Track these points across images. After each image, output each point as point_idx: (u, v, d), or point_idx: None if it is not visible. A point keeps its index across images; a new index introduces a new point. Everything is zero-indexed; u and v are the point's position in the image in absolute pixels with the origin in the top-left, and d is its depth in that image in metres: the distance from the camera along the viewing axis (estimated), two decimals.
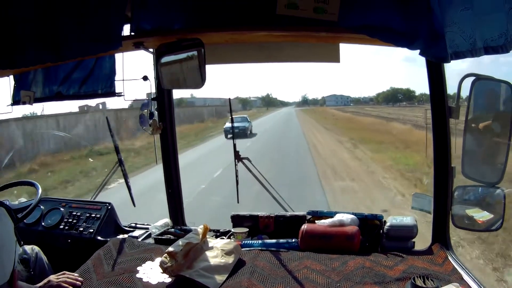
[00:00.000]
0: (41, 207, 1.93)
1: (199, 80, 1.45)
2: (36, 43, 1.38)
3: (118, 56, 1.88)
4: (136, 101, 1.94)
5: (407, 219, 1.57)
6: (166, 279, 1.34)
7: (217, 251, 1.41)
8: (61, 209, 1.94)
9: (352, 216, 1.60)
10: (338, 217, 1.59)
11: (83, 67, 1.88)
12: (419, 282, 1.20)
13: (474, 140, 1.45)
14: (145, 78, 1.77)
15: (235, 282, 1.29)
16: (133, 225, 1.95)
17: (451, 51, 1.22)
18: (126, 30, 1.47)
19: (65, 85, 1.91)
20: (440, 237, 1.54)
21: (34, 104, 1.90)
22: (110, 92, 1.90)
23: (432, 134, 1.54)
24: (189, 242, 1.37)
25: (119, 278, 1.35)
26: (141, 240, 1.74)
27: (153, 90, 1.84)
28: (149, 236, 1.78)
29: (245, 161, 1.85)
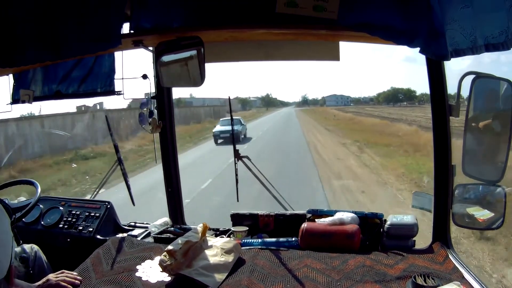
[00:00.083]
0: (40, 206, 1.92)
1: (199, 78, 1.45)
2: (35, 42, 1.38)
3: (117, 55, 1.88)
4: (135, 100, 1.93)
5: (407, 218, 1.57)
6: (166, 277, 1.33)
7: (217, 250, 1.41)
8: (61, 208, 1.93)
9: (352, 214, 1.59)
10: (338, 216, 1.59)
11: (83, 65, 1.87)
12: (419, 280, 1.20)
13: (474, 138, 1.44)
14: (144, 76, 1.77)
15: (235, 281, 1.28)
16: (133, 224, 1.95)
17: (451, 49, 1.22)
18: (126, 28, 1.47)
19: (65, 83, 1.90)
20: (441, 235, 1.54)
21: (33, 103, 1.89)
22: (110, 90, 1.90)
23: (432, 133, 1.54)
24: (188, 241, 1.36)
25: (118, 277, 1.34)
26: (141, 239, 1.73)
27: (153, 89, 1.84)
28: (148, 235, 1.78)
29: (245, 159, 1.84)
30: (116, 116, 15.42)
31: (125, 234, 1.76)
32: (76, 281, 1.32)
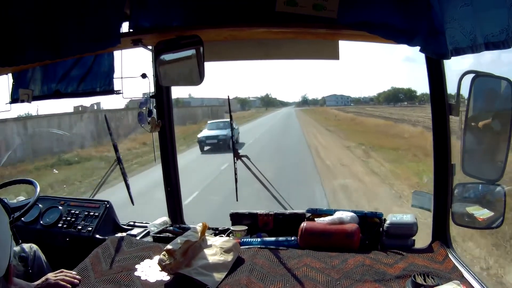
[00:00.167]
0: (40, 205, 1.92)
1: (198, 77, 1.45)
2: (34, 41, 1.37)
3: (116, 54, 1.87)
4: (133, 100, 1.93)
5: (407, 217, 1.56)
6: (165, 277, 1.33)
7: (216, 249, 1.41)
8: (60, 207, 1.93)
9: (352, 214, 1.59)
10: (337, 215, 1.58)
11: (82, 64, 1.87)
12: (419, 280, 1.20)
13: (474, 137, 1.44)
14: (143, 75, 1.77)
15: (234, 280, 1.28)
16: (132, 223, 1.94)
17: (451, 48, 1.22)
18: (125, 27, 1.47)
19: (64, 83, 1.90)
20: (440, 235, 1.54)
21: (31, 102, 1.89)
22: (109, 90, 1.90)
23: (432, 132, 1.53)
24: (187, 240, 1.36)
25: (117, 276, 1.34)
26: (140, 238, 1.73)
27: (152, 88, 1.83)
28: (147, 234, 1.77)
29: (244, 159, 1.84)
30: (109, 117, 15.14)
31: (124, 234, 1.76)
32: (75, 280, 1.32)
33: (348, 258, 1.39)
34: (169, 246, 1.31)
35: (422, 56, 1.43)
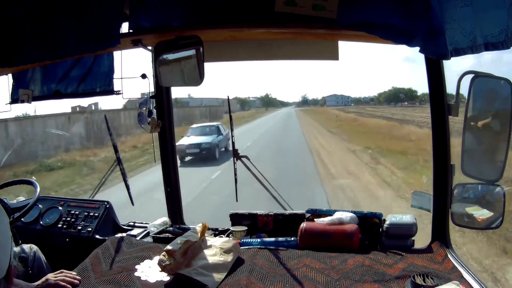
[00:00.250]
0: (39, 206, 1.92)
1: (198, 78, 1.45)
2: (34, 41, 1.38)
3: (116, 54, 1.87)
4: (130, 100, 1.93)
5: (406, 217, 1.57)
6: (165, 277, 1.33)
7: (216, 250, 1.41)
8: (60, 208, 1.93)
9: (352, 214, 1.59)
10: (337, 215, 1.58)
11: (82, 65, 1.87)
12: (418, 280, 1.20)
13: (473, 138, 1.44)
14: (143, 76, 1.77)
15: (234, 280, 1.28)
16: (132, 223, 1.95)
17: (451, 48, 1.22)
18: (125, 28, 1.47)
19: (63, 83, 1.90)
20: (440, 235, 1.54)
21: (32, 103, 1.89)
22: (109, 90, 1.90)
23: (431, 132, 1.53)
24: (187, 240, 1.36)
25: (117, 277, 1.34)
26: (140, 238, 1.73)
27: (152, 88, 1.83)
28: (147, 234, 1.77)
29: (244, 159, 1.84)
30: (99, 118, 13.87)
31: (124, 234, 1.76)
32: (75, 280, 1.32)
33: (348, 258, 1.39)
34: (169, 247, 1.32)
35: (422, 56, 1.43)
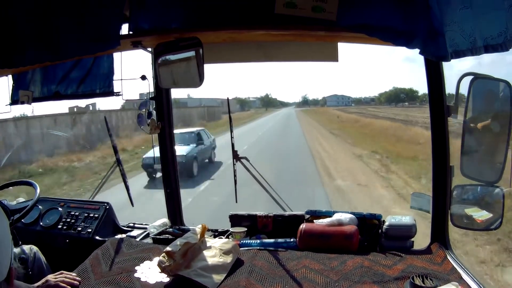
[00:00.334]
0: (40, 207, 1.92)
1: (198, 79, 1.45)
2: (34, 42, 1.38)
3: (116, 56, 1.88)
4: (128, 100, 1.93)
5: (405, 219, 1.57)
6: (164, 278, 1.34)
7: (215, 251, 1.41)
8: (60, 209, 1.94)
9: (351, 215, 1.59)
10: (336, 217, 1.59)
11: (81, 66, 1.88)
12: (418, 281, 1.20)
13: (473, 139, 1.44)
14: (143, 77, 1.77)
15: (233, 282, 1.28)
16: (131, 225, 1.95)
17: (451, 50, 1.22)
18: (125, 29, 1.47)
19: (63, 84, 1.90)
20: (439, 236, 1.54)
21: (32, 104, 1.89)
22: (108, 91, 1.90)
23: (430, 133, 1.54)
24: (187, 242, 1.36)
25: (117, 278, 1.35)
26: (139, 240, 1.73)
27: (151, 90, 1.84)
28: (147, 235, 1.78)
29: (243, 160, 1.84)
30: (88, 120, 13.24)
31: (124, 235, 1.76)
32: (75, 282, 1.32)
33: (347, 259, 1.40)
34: (168, 248, 1.32)
35: (422, 57, 1.43)
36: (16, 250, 1.59)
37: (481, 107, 1.48)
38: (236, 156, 1.84)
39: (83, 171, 9.32)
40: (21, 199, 1.96)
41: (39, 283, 1.31)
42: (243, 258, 1.44)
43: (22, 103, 1.90)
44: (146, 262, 1.45)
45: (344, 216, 1.58)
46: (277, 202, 1.87)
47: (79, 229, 1.84)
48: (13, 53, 1.40)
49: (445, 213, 1.52)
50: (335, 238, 1.52)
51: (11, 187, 1.79)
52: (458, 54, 1.21)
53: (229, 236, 1.70)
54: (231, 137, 1.84)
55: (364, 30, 1.32)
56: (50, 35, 1.37)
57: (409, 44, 1.31)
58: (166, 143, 1.94)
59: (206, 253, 1.40)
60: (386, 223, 1.56)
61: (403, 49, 1.35)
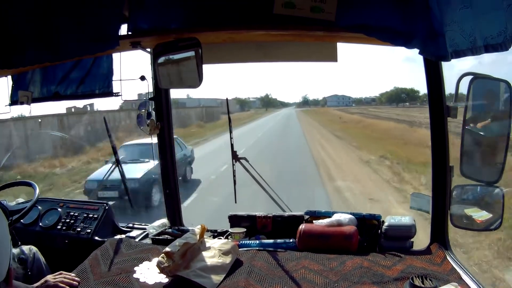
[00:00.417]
0: (39, 207, 1.92)
1: (197, 80, 1.45)
2: (33, 43, 1.38)
3: (115, 56, 1.87)
4: (126, 101, 1.92)
5: (405, 219, 1.56)
6: (163, 279, 1.33)
7: (215, 251, 1.41)
8: (59, 209, 1.94)
9: (350, 216, 1.59)
10: (336, 217, 1.58)
11: (81, 67, 1.88)
12: (417, 282, 1.20)
13: (472, 139, 1.44)
14: (142, 78, 1.77)
15: (233, 282, 1.28)
16: (131, 225, 1.95)
17: (451, 50, 1.22)
18: (124, 29, 1.48)
19: (63, 85, 1.90)
20: (439, 236, 1.54)
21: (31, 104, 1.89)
22: (108, 92, 1.90)
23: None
24: (186, 242, 1.36)
25: (116, 278, 1.34)
26: (139, 240, 1.73)
27: (151, 90, 1.83)
28: (146, 236, 1.78)
29: (243, 161, 1.84)
30: (77, 122, 12.63)
31: (123, 236, 1.76)
32: (74, 282, 1.32)
33: (346, 260, 1.39)
34: (167, 249, 1.32)
35: (422, 57, 1.43)
36: (16, 250, 1.59)
37: (481, 107, 1.48)
38: (235, 157, 1.84)
39: (63, 178, 8.51)
40: (21, 200, 1.96)
41: (38, 283, 1.32)
42: (242, 258, 1.44)
43: (22, 103, 1.90)
44: (145, 263, 1.45)
45: (344, 217, 1.58)
46: (277, 202, 1.87)
47: (79, 229, 1.84)
48: (12, 53, 1.40)
49: (445, 214, 1.52)
50: (334, 238, 1.51)
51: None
52: (458, 53, 1.21)
53: (228, 237, 1.70)
54: (230, 137, 1.84)
55: (363, 30, 1.32)
56: (49, 35, 1.37)
57: (408, 44, 1.31)
58: (165, 143, 1.93)
59: (205, 253, 1.39)
60: (386, 224, 1.56)
61: (403, 49, 1.35)
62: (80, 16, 1.37)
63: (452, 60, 1.27)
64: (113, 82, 1.88)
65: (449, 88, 1.50)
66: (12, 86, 1.92)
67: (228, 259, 1.38)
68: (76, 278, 1.34)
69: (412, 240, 1.54)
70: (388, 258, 1.43)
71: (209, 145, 15.01)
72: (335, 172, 8.99)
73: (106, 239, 1.68)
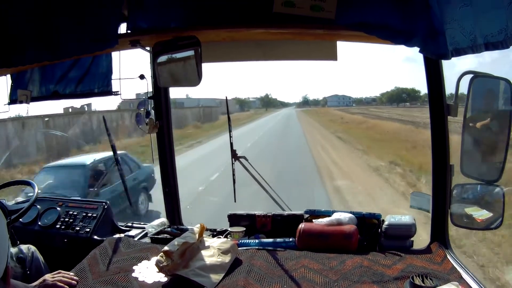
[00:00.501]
0: (38, 206, 1.92)
1: (196, 78, 1.45)
2: (32, 42, 1.38)
3: (115, 55, 1.87)
4: (124, 101, 1.92)
5: (405, 218, 1.56)
6: (162, 278, 1.33)
7: (214, 250, 1.40)
8: (58, 208, 1.93)
9: (350, 215, 1.58)
10: (335, 216, 1.58)
11: (80, 66, 1.87)
12: (417, 281, 1.19)
13: (472, 138, 1.44)
14: (141, 76, 1.77)
15: (232, 281, 1.27)
16: (130, 224, 1.94)
17: (451, 48, 1.22)
18: (123, 28, 1.47)
19: (62, 84, 1.90)
20: (439, 235, 1.53)
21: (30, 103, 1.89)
22: (107, 91, 1.89)
23: (430, 132, 1.53)
24: (185, 242, 1.36)
25: (114, 277, 1.34)
26: (138, 239, 1.73)
27: (150, 89, 1.83)
28: (145, 235, 1.77)
29: (242, 160, 1.83)
30: (60, 124, 12.30)
31: (122, 235, 1.76)
32: (73, 281, 1.32)
33: (346, 259, 1.39)
34: (166, 248, 1.31)
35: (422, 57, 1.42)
36: (14, 249, 1.59)
37: (481, 106, 1.47)
38: (234, 156, 1.83)
39: (29, 188, 7.45)
40: (20, 199, 1.96)
41: (36, 282, 1.31)
42: (242, 257, 1.43)
43: (21, 102, 1.90)
44: (144, 262, 1.45)
45: (344, 216, 1.57)
46: (276, 201, 1.86)
47: (77, 228, 1.83)
48: (11, 52, 1.40)
49: (445, 212, 1.51)
50: (334, 237, 1.51)
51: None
52: (459, 52, 1.20)
53: (228, 236, 1.69)
54: (230, 136, 1.84)
55: (363, 29, 1.32)
56: (48, 34, 1.37)
57: (408, 43, 1.31)
58: (165, 142, 1.93)
59: (204, 252, 1.39)
60: (386, 223, 1.55)
61: (404, 49, 1.35)
62: (79, 14, 1.37)
63: (452, 59, 1.27)
64: (112, 81, 1.88)
65: (449, 88, 1.49)
66: (11, 85, 1.92)
67: (227, 258, 1.38)
68: (75, 277, 1.34)
69: (412, 239, 1.53)
70: (388, 257, 1.42)
71: (203, 148, 14.05)
72: (341, 183, 7.66)
73: (105, 238, 1.68)
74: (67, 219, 1.88)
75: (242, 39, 1.59)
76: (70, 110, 13.90)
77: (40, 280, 1.32)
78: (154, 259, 1.38)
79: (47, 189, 4.64)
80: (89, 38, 1.37)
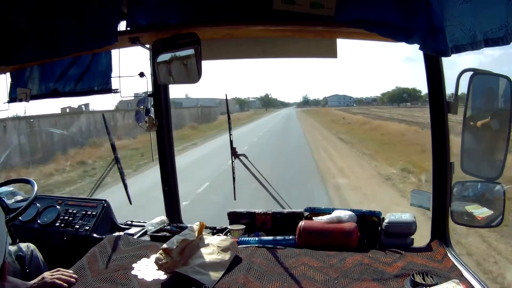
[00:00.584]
0: (37, 204, 1.91)
1: (196, 75, 1.45)
2: (32, 39, 1.38)
3: (114, 53, 1.87)
4: (122, 101, 1.92)
5: (405, 216, 1.55)
6: (162, 276, 1.32)
7: (213, 248, 1.40)
8: (57, 206, 1.93)
9: (350, 212, 1.58)
10: (336, 214, 1.57)
11: (80, 63, 1.87)
12: (418, 278, 1.19)
13: (473, 135, 1.43)
14: (141, 74, 1.77)
15: (231, 279, 1.27)
16: (129, 222, 1.94)
17: (451, 45, 1.22)
18: (123, 26, 1.47)
19: (61, 82, 1.90)
20: (439, 233, 1.53)
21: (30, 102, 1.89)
22: (107, 88, 1.89)
23: (430, 130, 1.53)
24: (185, 239, 1.35)
25: (114, 275, 1.34)
26: (137, 237, 1.72)
27: (149, 87, 1.83)
28: (145, 233, 1.77)
29: (242, 158, 1.83)
30: (51, 125, 11.86)
31: (121, 233, 1.76)
32: (72, 279, 1.32)
33: (346, 257, 1.38)
34: (166, 245, 1.31)
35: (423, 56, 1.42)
36: (13, 247, 1.58)
37: (481, 103, 1.47)
38: (234, 154, 1.83)
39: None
40: (19, 197, 1.96)
41: (35, 280, 1.31)
42: (241, 255, 1.43)
43: (20, 100, 1.90)
44: (144, 260, 1.44)
45: (344, 213, 1.57)
46: (276, 199, 1.86)
47: (77, 226, 1.83)
48: (11, 50, 1.40)
49: (446, 210, 1.51)
50: (334, 235, 1.50)
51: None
52: (459, 48, 1.20)
53: (227, 234, 1.69)
54: (230, 134, 1.83)
55: (363, 26, 1.32)
56: (48, 32, 1.37)
57: (409, 40, 1.31)
58: (164, 140, 1.93)
59: (203, 250, 1.38)
60: (386, 220, 1.55)
61: (404, 48, 1.34)
62: (79, 12, 1.37)
63: (452, 56, 1.27)
64: (112, 78, 1.88)
65: (449, 87, 1.48)
66: (10, 83, 1.92)
67: (227, 256, 1.37)
68: (74, 275, 1.33)
69: (412, 237, 1.53)
70: (389, 255, 1.42)
71: (198, 150, 13.32)
72: (350, 197, 6.62)
73: (104, 236, 1.67)
74: (66, 217, 1.87)
75: (241, 37, 1.59)
76: (67, 110, 13.76)
77: (39, 278, 1.32)
78: (153, 257, 1.37)
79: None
80: (88, 36, 1.37)
